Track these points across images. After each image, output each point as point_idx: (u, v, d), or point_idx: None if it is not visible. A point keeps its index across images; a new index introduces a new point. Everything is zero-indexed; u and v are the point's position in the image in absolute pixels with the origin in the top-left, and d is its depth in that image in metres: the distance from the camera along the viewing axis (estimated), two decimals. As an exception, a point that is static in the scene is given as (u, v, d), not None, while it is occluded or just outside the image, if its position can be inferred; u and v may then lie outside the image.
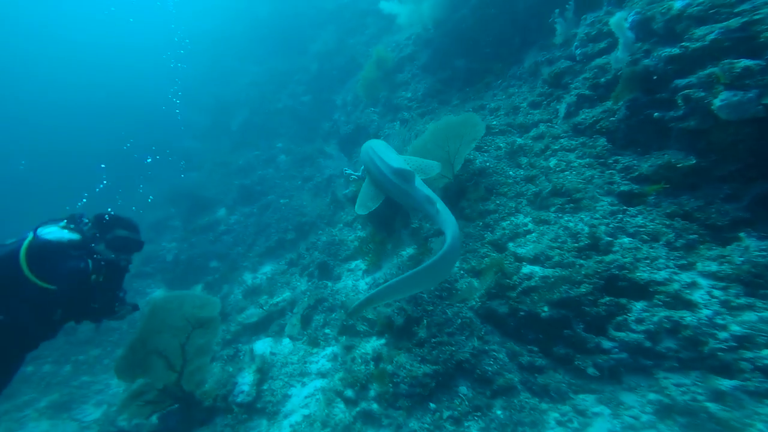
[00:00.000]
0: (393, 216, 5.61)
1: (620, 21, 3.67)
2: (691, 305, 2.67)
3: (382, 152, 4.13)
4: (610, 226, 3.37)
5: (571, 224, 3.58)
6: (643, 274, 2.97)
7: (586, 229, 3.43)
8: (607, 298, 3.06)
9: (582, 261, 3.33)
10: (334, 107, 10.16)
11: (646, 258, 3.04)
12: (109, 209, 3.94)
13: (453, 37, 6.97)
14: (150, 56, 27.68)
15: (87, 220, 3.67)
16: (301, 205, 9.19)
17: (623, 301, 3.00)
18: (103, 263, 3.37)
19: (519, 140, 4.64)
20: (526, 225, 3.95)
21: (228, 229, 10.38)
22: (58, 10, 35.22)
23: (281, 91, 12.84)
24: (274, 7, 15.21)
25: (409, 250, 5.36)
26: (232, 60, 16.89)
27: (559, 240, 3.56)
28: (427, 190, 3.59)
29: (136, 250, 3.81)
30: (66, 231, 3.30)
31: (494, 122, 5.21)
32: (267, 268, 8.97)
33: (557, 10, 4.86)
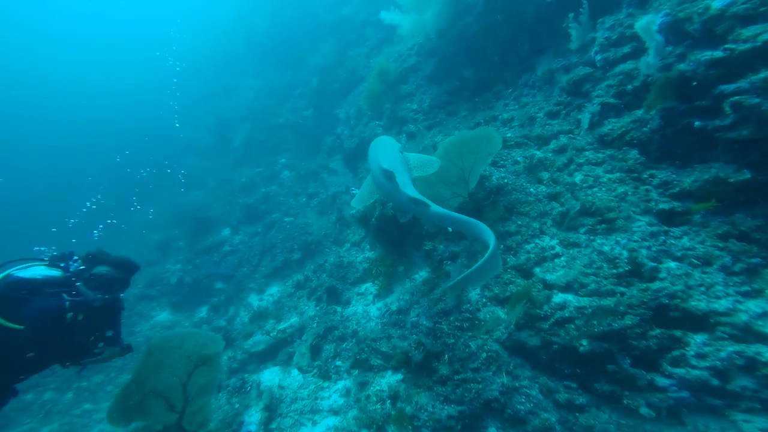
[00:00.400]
0: (404, 237, 5.29)
1: (649, 24, 3.36)
2: (767, 339, 2.32)
3: (381, 149, 3.98)
4: (653, 249, 3.02)
5: (606, 248, 3.24)
6: (699, 303, 2.62)
7: (625, 253, 3.08)
8: (658, 331, 2.72)
9: (623, 289, 2.99)
10: (337, 121, 9.93)
11: (701, 285, 2.70)
12: (97, 236, 3.70)
13: (459, 45, 6.72)
14: (147, 70, 27.77)
15: (77, 257, 3.45)
16: (307, 224, 8.90)
17: (678, 333, 2.65)
18: (82, 302, 3.14)
19: (538, 153, 4.32)
20: (553, 248, 3.61)
21: (233, 250, 10.12)
22: (56, 28, 35.63)
23: (282, 106, 12.67)
24: (271, 20, 15.14)
25: (422, 273, 5.03)
26: (232, 75, 16.81)
27: (594, 266, 3.21)
28: (412, 192, 3.34)
29: (120, 289, 3.55)
30: (43, 268, 3.10)
31: (509, 134, 4.90)
32: (273, 290, 8.70)
33: (571, 14, 4.58)
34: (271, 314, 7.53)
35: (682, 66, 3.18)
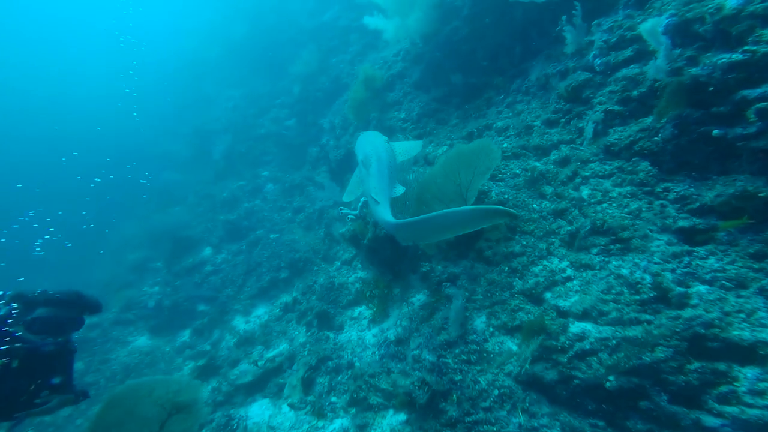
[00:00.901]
0: (399, 258, 4.93)
1: (654, 27, 3.12)
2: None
3: (366, 142, 4.22)
4: (677, 272, 2.75)
5: (624, 270, 2.95)
6: (742, 332, 2.35)
7: (648, 277, 2.80)
8: (697, 364, 2.43)
9: (649, 317, 2.70)
10: (322, 131, 9.53)
11: (739, 311, 2.43)
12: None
13: (446, 50, 6.44)
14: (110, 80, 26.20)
15: (3, 301, 3.02)
16: (293, 240, 8.46)
17: (721, 366, 2.37)
18: (18, 347, 2.72)
19: (539, 165, 4.04)
20: (563, 271, 3.32)
21: (215, 270, 9.56)
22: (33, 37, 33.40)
23: (263, 116, 12.18)
24: (250, 27, 14.66)
25: (420, 297, 4.68)
26: (210, 84, 16.22)
27: (613, 291, 2.92)
28: (376, 184, 3.43)
29: (72, 329, 3.14)
30: None
31: (505, 144, 4.62)
32: (260, 311, 8.23)
33: (564, 17, 4.33)
34: (259, 339, 7.07)
35: (695, 70, 2.94)
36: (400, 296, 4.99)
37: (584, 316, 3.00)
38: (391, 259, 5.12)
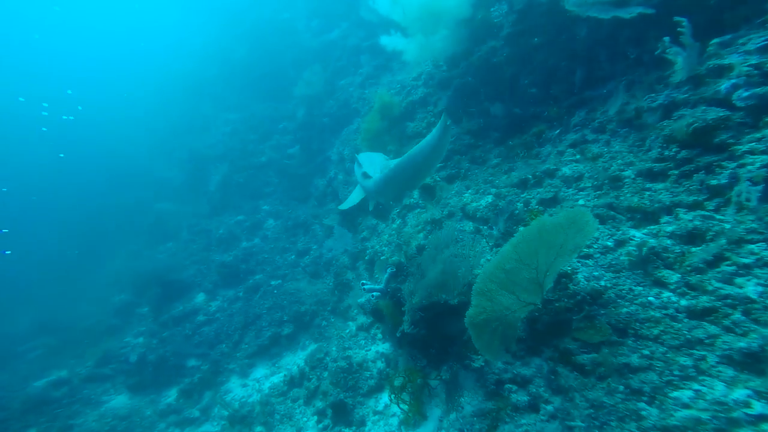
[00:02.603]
0: (437, 339, 3.76)
1: None
2: None
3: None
4: None
5: None
6: None
7: None
8: None
9: None
10: (329, 162, 8.50)
11: None
12: None
13: (481, 75, 5.43)
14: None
15: None
16: (298, 289, 7.31)
17: None
18: None
19: (649, 240, 2.91)
20: (746, 405, 2.15)
21: (209, 320, 8.37)
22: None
23: (264, 142, 11.18)
24: (251, 47, 13.81)
25: (471, 399, 3.49)
26: (208, 106, 15.29)
27: None
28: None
29: None
30: None
31: (581, 201, 3.51)
32: (259, 373, 7.08)
33: (667, 38, 3.27)
34: (258, 419, 5.88)
35: None
36: (441, 391, 3.81)
37: None
38: (426, 338, 3.96)
